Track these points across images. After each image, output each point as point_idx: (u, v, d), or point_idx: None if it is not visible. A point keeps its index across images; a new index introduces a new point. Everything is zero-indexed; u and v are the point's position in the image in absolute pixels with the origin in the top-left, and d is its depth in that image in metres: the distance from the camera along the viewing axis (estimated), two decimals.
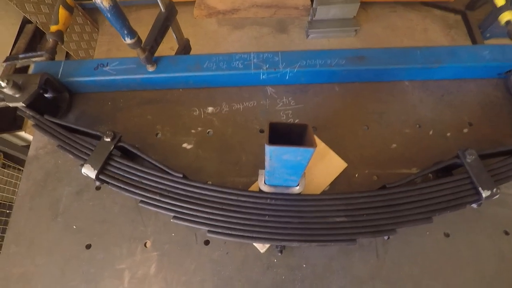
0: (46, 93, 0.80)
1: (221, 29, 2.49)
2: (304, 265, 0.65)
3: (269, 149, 0.41)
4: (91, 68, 0.80)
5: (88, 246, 0.67)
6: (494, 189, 0.59)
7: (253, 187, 0.69)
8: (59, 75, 0.79)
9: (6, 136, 1.72)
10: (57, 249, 0.67)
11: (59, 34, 0.87)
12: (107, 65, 0.80)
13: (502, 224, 0.67)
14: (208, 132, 0.78)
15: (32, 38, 0.93)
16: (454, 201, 0.60)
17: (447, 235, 0.67)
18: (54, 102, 0.80)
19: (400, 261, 0.65)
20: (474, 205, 0.62)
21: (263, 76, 0.80)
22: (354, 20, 2.36)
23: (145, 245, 0.67)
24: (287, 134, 0.49)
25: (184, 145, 0.77)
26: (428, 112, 0.81)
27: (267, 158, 0.45)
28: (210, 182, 0.72)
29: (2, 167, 1.73)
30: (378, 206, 0.61)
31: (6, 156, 1.76)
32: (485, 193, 0.58)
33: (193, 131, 0.78)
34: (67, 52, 2.29)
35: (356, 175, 0.73)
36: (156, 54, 0.80)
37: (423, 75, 0.83)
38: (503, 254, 0.65)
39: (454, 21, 2.53)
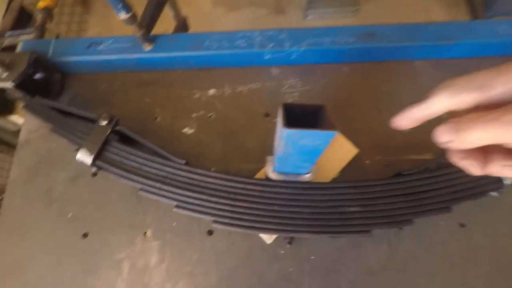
0: (36, 73, 0.74)
1: (216, 10, 2.39)
2: (313, 257, 0.61)
3: (286, 132, 0.37)
4: (83, 47, 0.74)
5: (85, 235, 0.64)
6: None
7: (259, 174, 0.65)
8: (49, 54, 0.73)
9: None
10: (52, 237, 0.63)
11: (48, 11, 0.81)
12: (100, 44, 0.74)
13: None
14: (210, 116, 0.74)
15: (21, 15, 0.87)
16: (475, 189, 0.57)
17: (462, 225, 0.64)
18: (45, 83, 0.75)
19: (413, 252, 0.62)
20: (495, 193, 0.58)
21: (267, 56, 0.75)
22: (353, 0, 2.28)
23: (145, 234, 0.64)
24: (300, 117, 0.45)
25: (185, 129, 0.72)
26: None
27: (281, 143, 0.41)
28: (214, 169, 0.68)
29: None
30: (394, 195, 0.57)
31: None
32: (509, 180, 0.55)
33: (194, 115, 0.74)
34: (57, 35, 2.20)
35: (367, 162, 0.69)
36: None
37: (436, 54, 0.79)
38: None
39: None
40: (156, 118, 0.74)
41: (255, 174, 0.67)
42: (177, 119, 0.73)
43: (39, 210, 0.65)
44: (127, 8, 0.63)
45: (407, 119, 0.35)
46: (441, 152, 0.68)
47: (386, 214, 0.56)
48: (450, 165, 0.65)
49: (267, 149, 0.70)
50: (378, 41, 0.73)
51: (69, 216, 0.65)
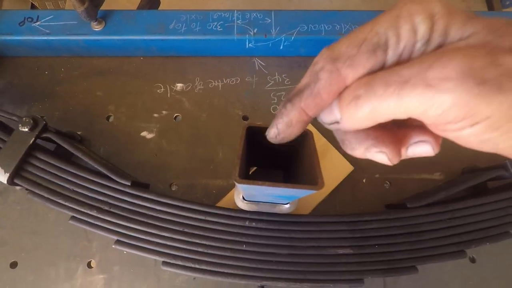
0: None
1: None
2: None
3: (241, 186, 0.24)
4: (15, 22, 0.58)
5: (14, 265, 0.51)
6: None
7: (227, 198, 0.53)
8: None
9: None
10: None
11: None
12: (37, 20, 0.58)
13: None
14: (176, 117, 0.60)
15: None
16: (496, 229, 0.45)
17: (472, 260, 0.53)
18: None
19: None
20: None
21: (250, 44, 0.60)
22: None
23: (88, 265, 0.52)
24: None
25: (144, 133, 0.59)
26: None
27: (240, 189, 0.28)
28: (176, 185, 0.55)
29: None
30: (395, 234, 0.45)
31: None
32: None
33: (155, 115, 0.60)
34: (32, 3, 1.98)
35: (364, 180, 0.57)
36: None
37: None
38: None
39: None
40: (109, 117, 0.60)
41: (225, 194, 0.54)
42: (134, 119, 0.60)
43: None
44: None
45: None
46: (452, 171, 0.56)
47: (383, 258, 0.44)
48: (466, 197, 0.54)
49: None
50: None
51: None
